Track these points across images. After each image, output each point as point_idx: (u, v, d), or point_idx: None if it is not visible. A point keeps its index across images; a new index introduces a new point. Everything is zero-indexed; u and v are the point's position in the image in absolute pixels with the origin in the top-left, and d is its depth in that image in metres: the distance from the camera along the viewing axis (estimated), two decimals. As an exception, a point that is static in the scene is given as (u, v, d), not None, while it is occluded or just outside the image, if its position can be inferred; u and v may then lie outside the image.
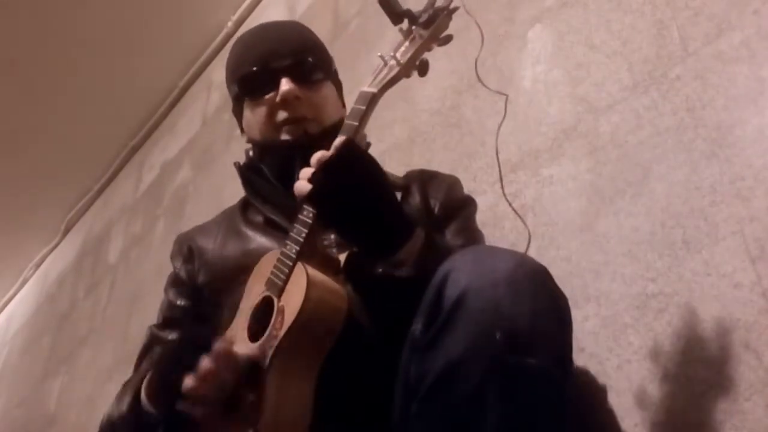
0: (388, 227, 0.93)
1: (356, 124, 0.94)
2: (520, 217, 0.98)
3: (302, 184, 0.92)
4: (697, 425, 0.95)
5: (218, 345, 0.88)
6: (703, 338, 0.99)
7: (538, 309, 0.79)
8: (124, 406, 1.02)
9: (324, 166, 0.91)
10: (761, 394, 0.91)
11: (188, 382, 0.87)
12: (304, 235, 0.93)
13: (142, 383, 1.01)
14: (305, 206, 0.95)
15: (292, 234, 0.95)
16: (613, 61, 1.28)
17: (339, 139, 0.93)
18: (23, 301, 4.28)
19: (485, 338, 0.77)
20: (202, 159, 2.76)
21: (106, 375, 2.66)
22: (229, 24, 2.90)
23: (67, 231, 3.97)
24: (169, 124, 3.26)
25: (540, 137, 1.36)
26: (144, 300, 2.64)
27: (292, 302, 0.90)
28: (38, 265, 4.22)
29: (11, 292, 4.45)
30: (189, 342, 0.95)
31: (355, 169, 0.92)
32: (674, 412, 0.99)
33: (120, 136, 3.44)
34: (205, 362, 0.87)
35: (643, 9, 1.26)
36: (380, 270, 0.92)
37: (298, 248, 0.93)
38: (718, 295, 0.99)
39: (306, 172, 0.93)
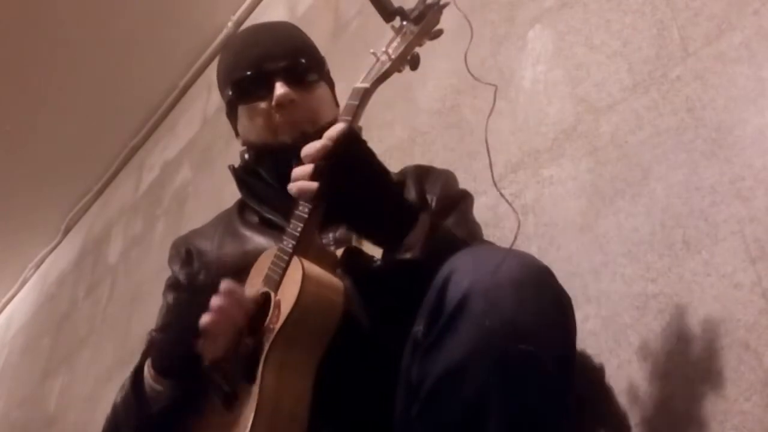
0: (397, 215, 0.94)
1: (349, 119, 0.95)
2: (507, 201, 0.97)
3: (305, 184, 0.92)
4: (697, 425, 0.95)
5: (225, 284, 0.92)
6: (703, 339, 0.99)
7: (541, 310, 0.78)
8: (126, 389, 1.02)
9: (328, 160, 0.90)
10: (761, 394, 0.91)
11: (204, 318, 0.90)
12: (300, 229, 0.94)
13: (142, 367, 1.01)
14: (301, 202, 0.95)
15: (288, 230, 0.96)
16: (613, 62, 1.27)
17: (334, 128, 0.92)
18: (23, 301, 4.28)
19: (488, 341, 0.76)
20: (202, 159, 2.76)
21: (106, 375, 2.66)
22: (229, 24, 2.89)
23: (67, 231, 3.97)
24: (169, 125, 3.26)
25: (540, 137, 1.36)
26: (144, 300, 2.63)
27: (287, 295, 0.90)
28: (38, 266, 4.22)
29: (11, 293, 4.44)
30: (191, 305, 0.96)
31: (359, 160, 0.93)
32: (674, 412, 0.99)
33: (120, 136, 3.44)
34: (216, 299, 0.91)
35: (643, 9, 1.26)
36: (388, 256, 0.93)
37: (294, 243, 0.94)
38: (718, 295, 0.99)
39: (302, 171, 0.92)
